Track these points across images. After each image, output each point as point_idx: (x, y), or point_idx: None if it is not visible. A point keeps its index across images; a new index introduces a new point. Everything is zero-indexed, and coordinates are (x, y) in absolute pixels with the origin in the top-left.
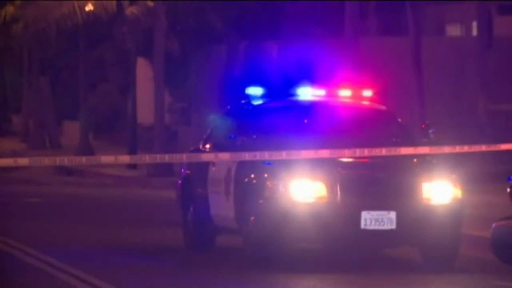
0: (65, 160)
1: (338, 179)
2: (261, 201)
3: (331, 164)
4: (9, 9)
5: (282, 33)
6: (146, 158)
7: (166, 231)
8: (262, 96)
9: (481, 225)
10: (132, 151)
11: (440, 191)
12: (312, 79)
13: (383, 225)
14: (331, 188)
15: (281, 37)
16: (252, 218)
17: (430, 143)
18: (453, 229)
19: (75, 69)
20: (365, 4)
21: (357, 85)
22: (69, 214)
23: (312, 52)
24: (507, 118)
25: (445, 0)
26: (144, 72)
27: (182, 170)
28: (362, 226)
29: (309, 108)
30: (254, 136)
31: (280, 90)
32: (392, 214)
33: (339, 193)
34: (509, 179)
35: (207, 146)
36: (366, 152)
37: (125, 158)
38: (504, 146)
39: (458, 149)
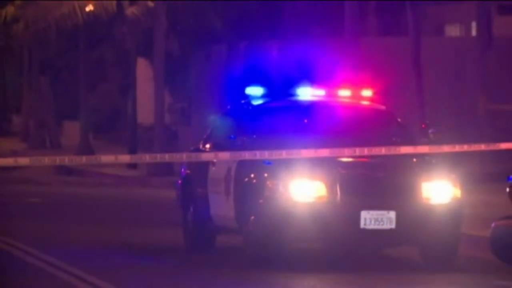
0: (65, 160)
1: (337, 179)
2: (261, 200)
3: (331, 164)
4: (10, 9)
5: (282, 33)
6: (146, 158)
7: (166, 231)
8: (262, 96)
9: (480, 225)
10: (132, 151)
11: (439, 190)
12: (312, 79)
13: (382, 224)
14: (330, 188)
15: (281, 37)
16: (252, 217)
17: (429, 143)
18: (452, 229)
19: (75, 69)
20: (364, 4)
21: (357, 85)
22: (69, 214)
23: (312, 52)
24: (507, 118)
25: (444, 0)
26: (144, 72)
27: (182, 170)
28: (362, 225)
29: (309, 108)
30: (254, 136)
31: (280, 90)
32: (392, 214)
33: (338, 192)
34: (508, 178)
35: (207, 146)
36: (366, 151)
37: (125, 158)
38: (504, 145)
39: (457, 148)
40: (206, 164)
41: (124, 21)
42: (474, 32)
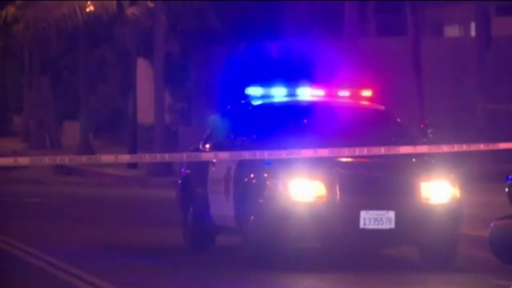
0: (66, 160)
1: (337, 179)
2: (260, 200)
3: (331, 164)
4: (10, 9)
5: (282, 33)
6: (146, 157)
7: (166, 231)
8: (262, 96)
9: (479, 225)
10: (132, 151)
11: (438, 190)
12: (311, 79)
13: (382, 224)
14: (330, 188)
15: (281, 37)
16: (252, 217)
17: (429, 143)
18: (451, 229)
19: (76, 69)
20: (364, 5)
21: (356, 85)
22: (69, 214)
23: (312, 52)
24: (506, 118)
25: (443, 1)
26: (144, 72)
27: (182, 170)
28: (361, 225)
29: (308, 108)
30: (254, 136)
31: (280, 90)
32: (391, 214)
33: (338, 192)
34: (507, 178)
35: (207, 146)
36: (365, 151)
37: (125, 158)
38: (503, 145)
39: (456, 148)
40: (206, 164)
41: (124, 21)
42: (473, 33)
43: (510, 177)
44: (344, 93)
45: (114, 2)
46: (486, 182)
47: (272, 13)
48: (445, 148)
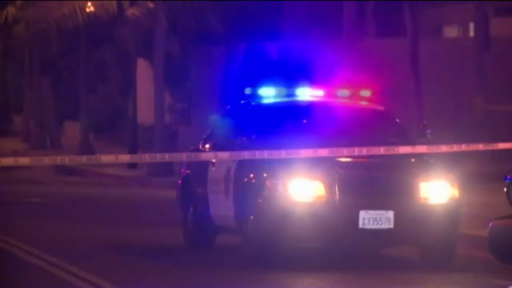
0: (66, 160)
1: (336, 179)
2: (260, 200)
3: (330, 163)
4: (10, 10)
5: (282, 33)
6: (146, 157)
7: (166, 231)
8: (262, 96)
9: (478, 225)
10: (132, 151)
11: (437, 190)
12: (311, 80)
13: (381, 224)
14: (329, 188)
15: (281, 38)
16: (252, 217)
17: (428, 143)
18: (450, 229)
19: (76, 69)
20: (363, 6)
21: (355, 86)
22: (69, 214)
23: (311, 52)
24: (504, 118)
25: (442, 1)
26: (144, 73)
27: (182, 170)
28: (360, 225)
29: (308, 108)
30: (254, 136)
31: (280, 91)
32: (390, 214)
33: (337, 192)
34: (506, 178)
35: (207, 146)
36: (364, 151)
37: (125, 158)
38: (501, 145)
39: (455, 148)
40: (206, 164)
41: (124, 21)
42: (471, 33)
43: (509, 177)
44: (343, 93)
45: (114, 3)
46: (485, 182)
47: (272, 14)
48: (444, 148)
